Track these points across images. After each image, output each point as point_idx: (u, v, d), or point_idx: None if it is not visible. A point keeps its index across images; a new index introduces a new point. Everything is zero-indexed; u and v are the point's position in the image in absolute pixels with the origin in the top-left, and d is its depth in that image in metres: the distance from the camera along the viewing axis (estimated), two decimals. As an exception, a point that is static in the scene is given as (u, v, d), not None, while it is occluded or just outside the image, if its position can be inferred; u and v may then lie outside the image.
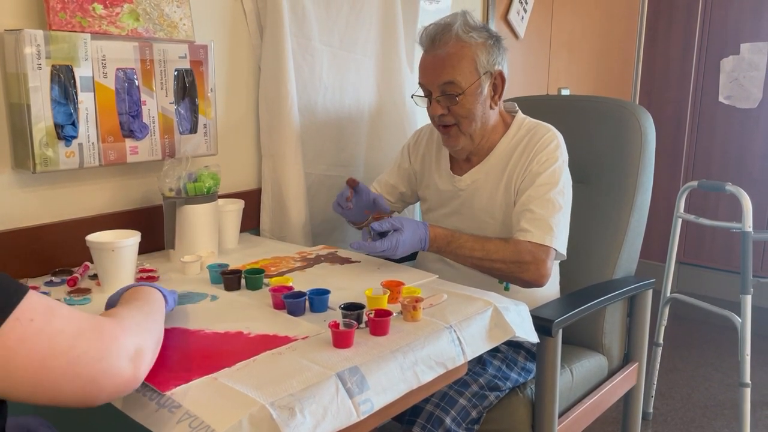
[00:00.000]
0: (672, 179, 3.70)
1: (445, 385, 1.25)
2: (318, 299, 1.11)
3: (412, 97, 1.55)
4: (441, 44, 1.42)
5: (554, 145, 1.44)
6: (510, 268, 1.38)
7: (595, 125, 1.73)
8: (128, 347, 0.78)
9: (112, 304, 1.00)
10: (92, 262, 1.25)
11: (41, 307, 0.71)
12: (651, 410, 2.40)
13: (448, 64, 1.41)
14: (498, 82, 1.46)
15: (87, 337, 0.73)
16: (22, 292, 0.70)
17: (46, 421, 0.97)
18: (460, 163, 1.56)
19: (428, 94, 1.47)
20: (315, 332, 1.02)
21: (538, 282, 1.40)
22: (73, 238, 1.34)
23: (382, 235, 1.35)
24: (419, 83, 1.49)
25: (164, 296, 1.02)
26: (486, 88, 1.44)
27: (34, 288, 1.23)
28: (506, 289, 1.49)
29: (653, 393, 2.40)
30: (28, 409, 1.20)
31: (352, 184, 1.48)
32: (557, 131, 1.48)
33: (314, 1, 1.73)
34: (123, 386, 0.77)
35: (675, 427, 2.33)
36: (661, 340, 2.40)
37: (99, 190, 1.44)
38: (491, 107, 1.47)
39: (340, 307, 1.06)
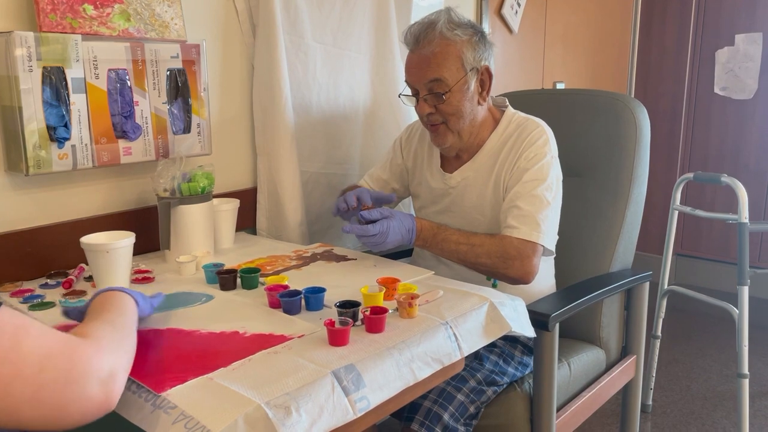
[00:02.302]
0: (668, 171, 3.70)
1: (443, 381, 1.25)
2: (313, 297, 1.11)
3: (399, 97, 1.54)
4: (426, 43, 1.41)
5: (543, 140, 1.43)
6: (495, 263, 1.37)
7: (590, 118, 1.73)
8: (101, 370, 0.73)
9: (83, 311, 0.95)
10: (87, 264, 1.25)
11: (10, 328, 0.66)
12: (650, 402, 2.40)
13: (433, 62, 1.40)
14: (485, 77, 1.45)
15: (56, 362, 0.69)
16: None
17: None
18: (451, 161, 1.55)
19: (415, 93, 1.47)
20: (311, 331, 1.02)
21: (523, 279, 1.38)
22: (67, 240, 1.34)
23: (371, 223, 1.35)
24: (406, 82, 1.48)
25: (136, 301, 0.97)
26: (473, 85, 1.43)
27: (29, 291, 1.23)
28: (494, 286, 1.48)
29: (652, 385, 2.41)
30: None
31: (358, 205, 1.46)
32: (547, 126, 1.47)
33: (307, -2, 1.72)
34: (93, 411, 0.72)
35: (674, 419, 2.34)
36: (659, 333, 2.40)
37: (93, 191, 1.44)
38: (479, 103, 1.46)
39: (335, 305, 1.06)
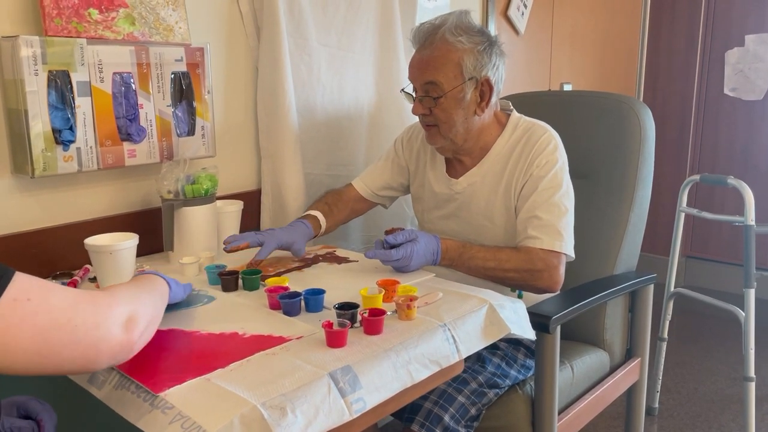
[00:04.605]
0: (677, 173, 3.68)
1: (443, 382, 1.25)
2: (313, 299, 1.12)
3: (401, 92, 1.55)
4: (428, 44, 1.41)
5: (552, 146, 1.42)
6: (523, 277, 1.38)
7: (594, 120, 1.73)
8: (120, 314, 0.81)
9: None
10: (92, 265, 1.27)
11: (35, 286, 0.74)
12: (657, 405, 2.39)
13: (432, 65, 1.40)
14: (485, 89, 1.42)
15: (83, 308, 0.77)
16: (9, 273, 0.72)
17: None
18: (456, 166, 1.54)
19: (415, 92, 1.47)
20: (309, 332, 1.03)
21: (551, 288, 1.40)
22: (72, 241, 1.35)
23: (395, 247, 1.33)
24: (409, 79, 1.48)
25: (169, 285, 1.05)
26: (470, 94, 1.41)
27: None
28: (519, 296, 1.48)
29: (659, 388, 2.40)
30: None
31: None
32: (554, 131, 1.46)
33: (311, 1, 1.73)
34: (118, 351, 0.81)
35: (681, 422, 2.32)
36: (665, 335, 2.39)
37: (98, 193, 1.46)
38: (476, 113, 1.44)
39: (334, 306, 1.06)
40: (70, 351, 0.75)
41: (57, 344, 0.74)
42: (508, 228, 1.47)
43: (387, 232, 1.37)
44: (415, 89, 1.47)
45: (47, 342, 0.73)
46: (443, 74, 1.39)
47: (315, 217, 1.55)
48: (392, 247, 1.32)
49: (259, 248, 1.38)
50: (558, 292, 1.53)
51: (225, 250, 1.36)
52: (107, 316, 0.80)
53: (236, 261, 1.42)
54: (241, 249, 1.38)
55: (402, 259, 1.30)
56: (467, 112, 1.43)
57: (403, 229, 1.37)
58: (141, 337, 0.85)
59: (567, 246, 1.39)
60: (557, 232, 1.38)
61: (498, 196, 1.47)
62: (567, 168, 1.45)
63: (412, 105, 1.48)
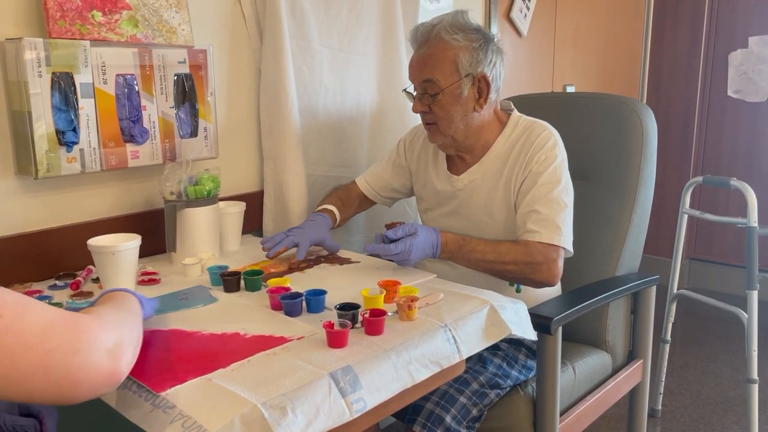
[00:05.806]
0: (681, 175, 3.67)
1: (445, 383, 1.25)
2: (314, 300, 1.12)
3: (403, 91, 1.57)
4: (424, 43, 1.44)
5: (552, 143, 1.44)
6: (522, 270, 1.38)
7: (597, 122, 1.73)
8: (106, 340, 0.75)
9: None
10: (95, 266, 1.27)
11: (11, 302, 0.68)
12: (659, 407, 2.39)
13: (428, 63, 1.42)
14: (482, 85, 1.44)
15: (60, 331, 0.71)
16: None
17: None
18: (457, 163, 1.56)
19: (415, 91, 1.49)
20: (310, 332, 1.03)
21: (550, 282, 1.40)
22: (75, 242, 1.36)
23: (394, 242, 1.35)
24: (409, 79, 1.50)
25: (140, 302, 1.00)
26: (467, 91, 1.43)
27: (38, 292, 1.25)
28: (518, 291, 1.49)
29: (661, 390, 2.39)
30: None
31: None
32: (553, 129, 1.47)
33: (313, 3, 1.74)
34: (102, 380, 0.74)
35: (684, 424, 2.32)
36: (668, 337, 2.38)
37: (101, 194, 1.46)
38: (475, 110, 1.45)
39: (335, 307, 1.07)
40: (41, 378, 0.68)
41: (27, 368, 0.67)
42: (507, 224, 1.48)
43: (387, 226, 1.39)
44: (415, 88, 1.48)
45: (15, 365, 0.66)
46: (440, 71, 1.41)
47: (331, 211, 1.59)
48: (392, 241, 1.33)
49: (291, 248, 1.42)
50: (557, 285, 1.54)
51: (267, 256, 1.40)
52: (90, 342, 0.73)
53: (238, 261, 1.43)
54: (281, 253, 1.41)
55: (401, 253, 1.32)
56: (465, 109, 1.44)
57: (403, 223, 1.38)
58: (129, 365, 0.79)
59: (565, 240, 1.39)
60: (556, 226, 1.38)
61: (498, 192, 1.48)
62: (566, 164, 1.46)
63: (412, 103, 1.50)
